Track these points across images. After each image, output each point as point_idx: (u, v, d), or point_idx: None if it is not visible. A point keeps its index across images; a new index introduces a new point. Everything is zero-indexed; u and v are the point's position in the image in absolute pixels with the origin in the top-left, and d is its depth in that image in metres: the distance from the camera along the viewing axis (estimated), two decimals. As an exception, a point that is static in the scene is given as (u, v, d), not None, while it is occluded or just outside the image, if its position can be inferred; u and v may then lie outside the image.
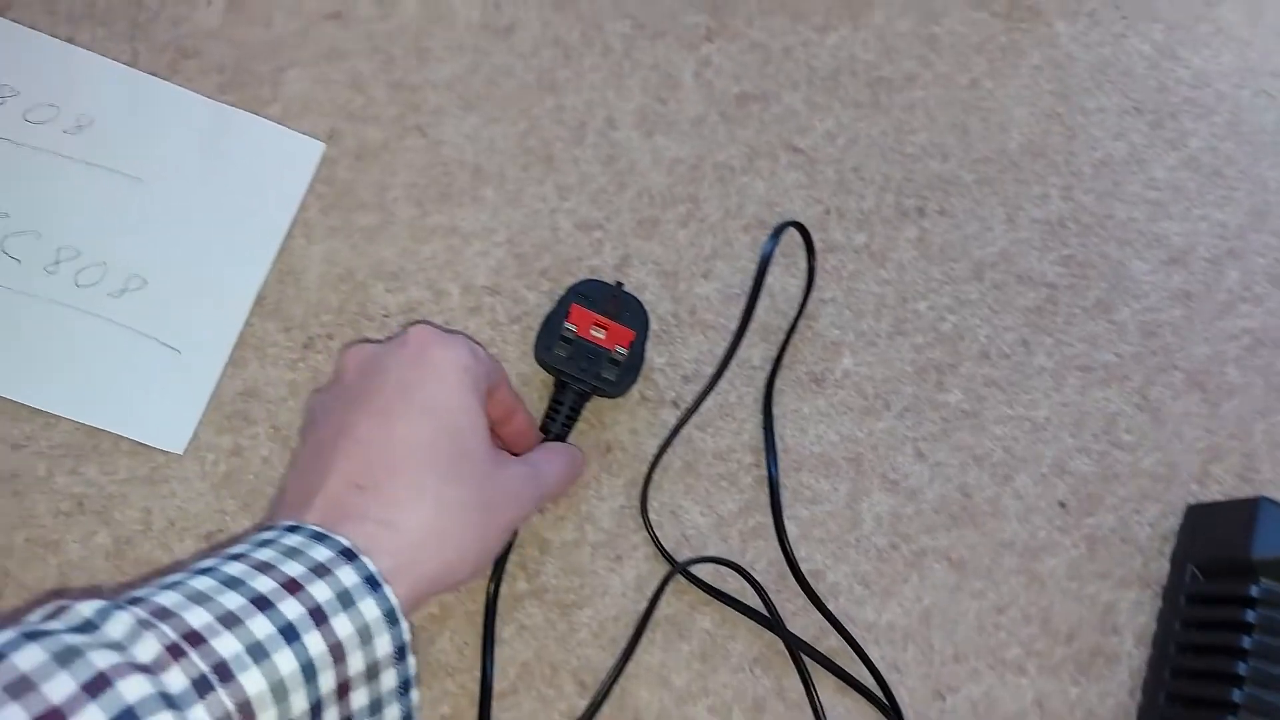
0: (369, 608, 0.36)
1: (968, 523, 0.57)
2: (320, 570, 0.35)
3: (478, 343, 0.51)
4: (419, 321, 0.50)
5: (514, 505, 0.44)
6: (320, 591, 0.35)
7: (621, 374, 0.54)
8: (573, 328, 0.54)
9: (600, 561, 0.55)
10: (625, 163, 0.62)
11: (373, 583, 0.36)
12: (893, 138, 0.65)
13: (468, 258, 0.60)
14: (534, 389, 0.58)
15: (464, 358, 0.44)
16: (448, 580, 0.40)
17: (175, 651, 0.31)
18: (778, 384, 0.59)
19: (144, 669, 0.30)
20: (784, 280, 0.61)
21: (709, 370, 0.59)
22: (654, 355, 0.58)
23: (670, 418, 0.58)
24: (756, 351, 0.60)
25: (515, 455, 0.48)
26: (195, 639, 0.32)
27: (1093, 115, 0.66)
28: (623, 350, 0.54)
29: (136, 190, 0.58)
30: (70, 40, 0.60)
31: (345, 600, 0.35)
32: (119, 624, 0.31)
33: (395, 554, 0.38)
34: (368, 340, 0.51)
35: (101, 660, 0.29)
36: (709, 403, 0.58)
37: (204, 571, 0.34)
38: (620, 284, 0.54)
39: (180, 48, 0.61)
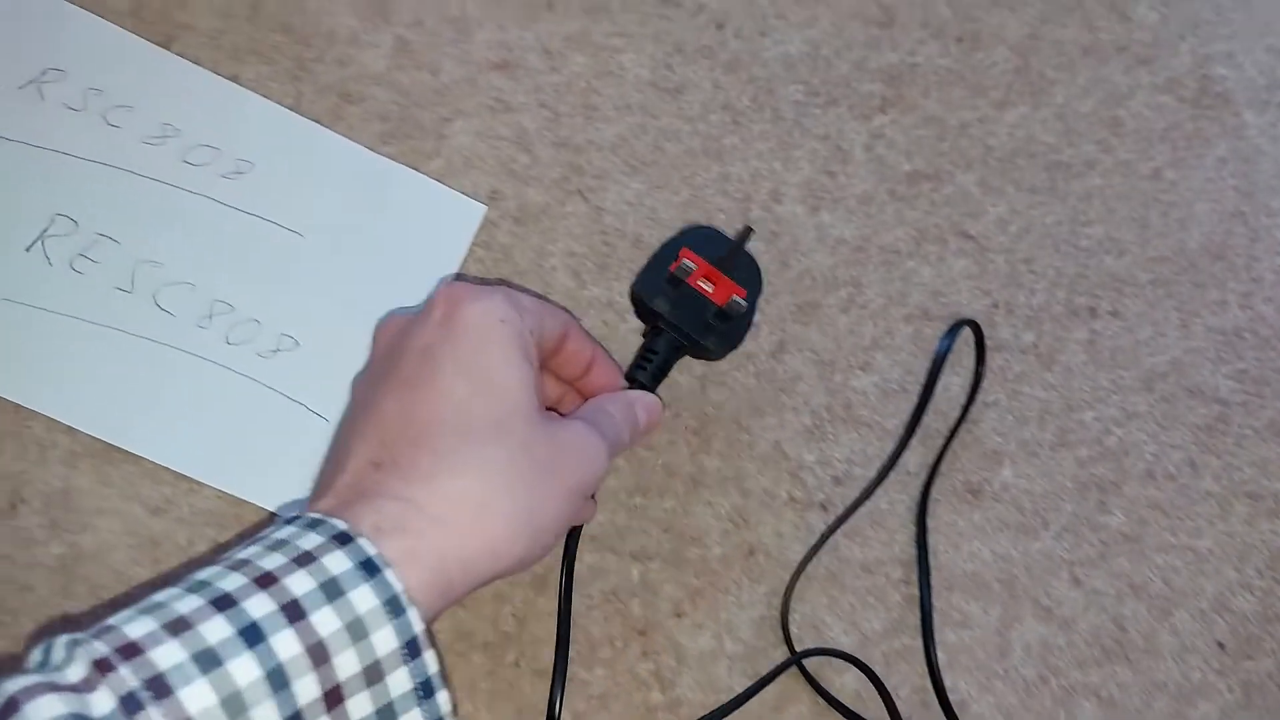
0: (363, 597, 0.31)
1: (1121, 659, 0.55)
2: (303, 559, 0.31)
3: (529, 291, 0.48)
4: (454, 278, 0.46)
5: (576, 465, 0.38)
6: (298, 583, 0.30)
7: (724, 335, 0.50)
8: (681, 272, 0.49)
9: (737, 677, 0.53)
10: (788, 240, 0.60)
11: (369, 567, 0.31)
12: (1068, 228, 0.61)
13: (622, 334, 0.57)
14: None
15: (501, 309, 0.39)
16: (496, 561, 0.35)
17: (104, 667, 0.27)
18: (933, 493, 0.56)
19: (65, 689, 0.26)
20: (944, 378, 0.58)
21: (860, 472, 0.56)
22: (803, 452, 0.56)
23: (818, 521, 0.56)
24: (912, 456, 0.57)
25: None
26: (131, 651, 0.28)
27: (1278, 216, 0.62)
28: (734, 306, 0.49)
29: (293, 244, 0.56)
30: (234, 78, 0.58)
31: (331, 591, 0.30)
32: (60, 647, 0.28)
33: (416, 534, 0.33)
34: (402, 310, 0.48)
35: (15, 685, 0.26)
36: (859, 509, 0.55)
37: (174, 582, 0.30)
38: (748, 231, 0.48)
39: (344, 91, 0.59)
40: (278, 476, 0.52)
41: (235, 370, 0.54)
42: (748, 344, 0.56)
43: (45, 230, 0.54)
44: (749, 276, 0.51)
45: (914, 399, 0.57)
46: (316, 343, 0.55)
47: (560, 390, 0.47)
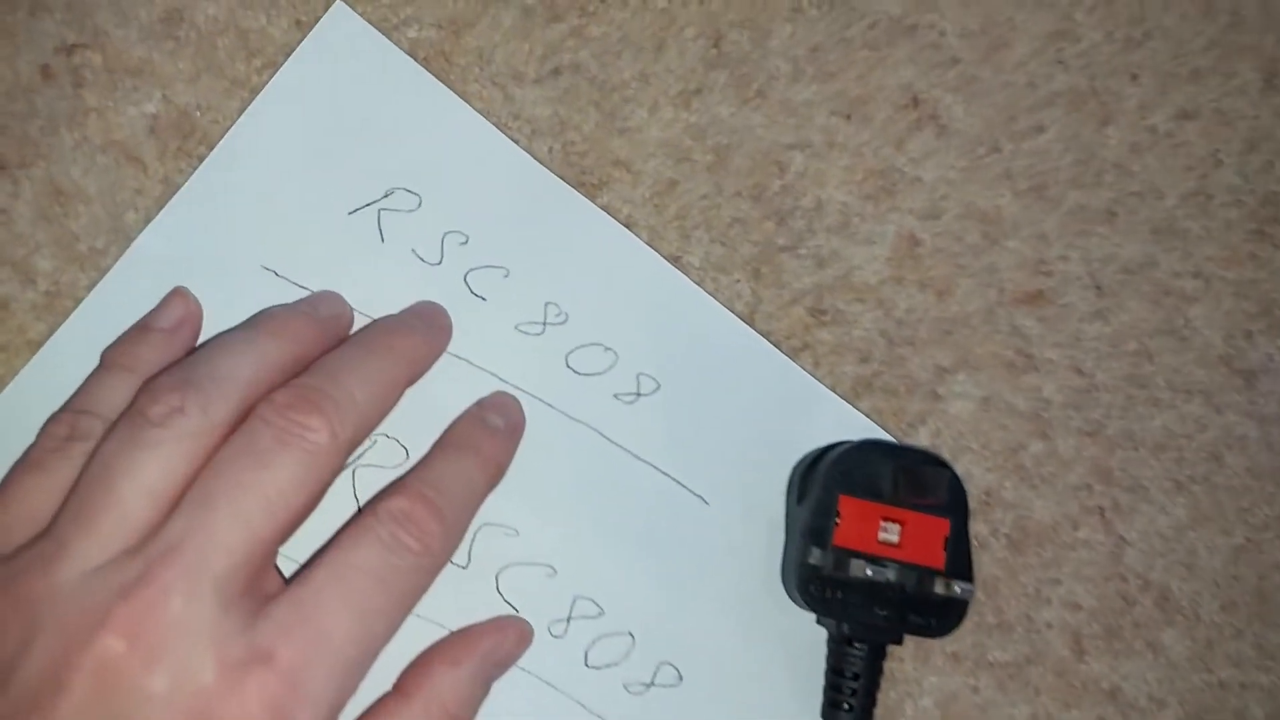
0: None
1: None
2: None
3: None
4: None
5: None
6: None
7: (943, 603, 0.35)
8: (841, 540, 0.34)
9: None
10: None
11: None
12: None
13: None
14: None
15: None
16: None
17: None
18: None
19: None
20: None
21: None
22: None
23: None
24: None
25: None
26: None
27: None
28: (939, 558, 0.35)
29: (696, 514, 0.39)
30: (676, 260, 0.39)
31: None
32: None
33: None
34: None
35: None
36: None
37: None
38: (933, 457, 0.36)
39: (816, 307, 0.41)
40: None
41: (588, 708, 0.37)
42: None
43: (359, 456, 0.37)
44: (942, 486, 0.36)
45: None
46: (708, 680, 0.37)
47: None
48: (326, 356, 0.32)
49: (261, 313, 0.34)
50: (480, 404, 0.35)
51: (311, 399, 0.29)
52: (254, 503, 0.28)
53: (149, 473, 0.29)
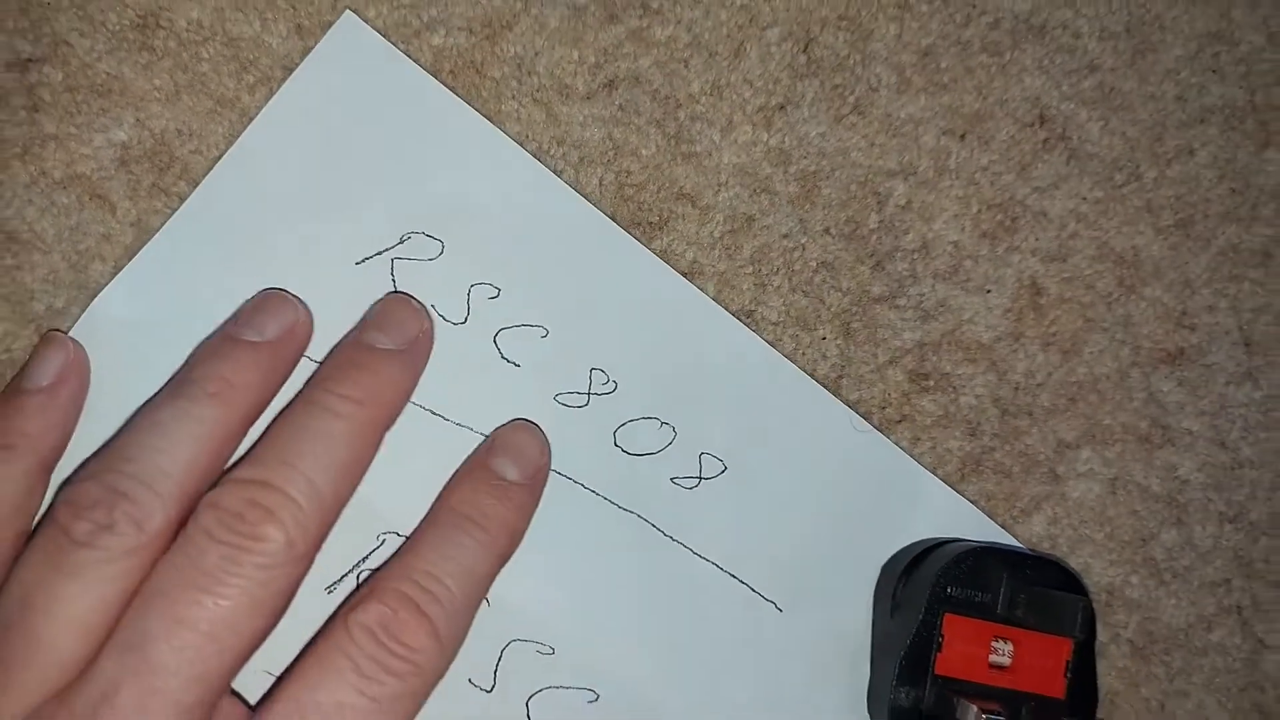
0: None
1: None
2: None
3: None
4: None
5: None
6: None
7: None
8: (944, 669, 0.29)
9: None
10: None
11: None
12: None
13: None
14: None
15: None
16: None
17: None
18: None
19: None
20: None
21: None
22: None
23: None
24: None
25: None
26: None
27: None
28: (1059, 686, 0.30)
29: (767, 622, 0.33)
30: (749, 316, 0.33)
31: None
32: None
33: None
34: None
35: None
36: None
37: None
38: (1059, 567, 0.31)
39: (919, 372, 0.35)
40: None
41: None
42: None
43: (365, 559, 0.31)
44: (1062, 607, 0.30)
45: None
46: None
47: None
48: (279, 428, 0.26)
49: (196, 358, 0.27)
50: (489, 446, 0.29)
51: (263, 503, 0.25)
52: (198, 638, 0.23)
53: (76, 606, 0.24)
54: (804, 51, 0.32)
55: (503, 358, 0.31)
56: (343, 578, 0.30)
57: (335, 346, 0.29)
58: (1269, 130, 0.34)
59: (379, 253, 0.30)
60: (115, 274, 0.29)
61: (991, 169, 0.33)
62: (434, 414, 0.30)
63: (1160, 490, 0.34)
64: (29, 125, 0.29)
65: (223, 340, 0.27)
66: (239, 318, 0.28)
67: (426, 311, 0.30)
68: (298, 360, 0.28)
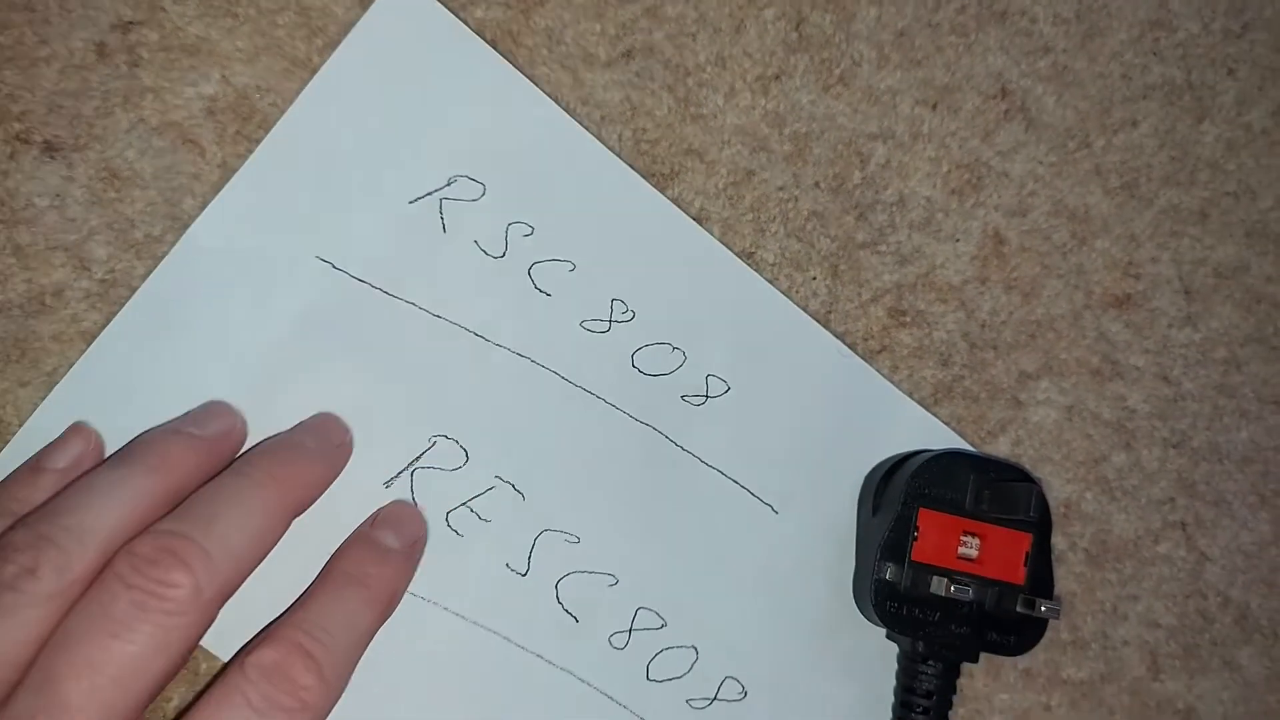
0: None
1: None
2: None
3: None
4: None
5: None
6: None
7: (1023, 622, 0.33)
8: (920, 555, 0.33)
9: None
10: None
11: None
12: None
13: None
14: None
15: None
16: None
17: None
18: None
19: None
20: None
21: None
22: None
23: None
24: None
25: None
26: None
27: None
28: (1020, 574, 0.33)
29: (765, 523, 0.38)
30: (749, 256, 0.38)
31: None
32: None
33: None
34: None
35: None
36: None
37: None
38: (1017, 469, 0.34)
39: (896, 308, 0.39)
40: None
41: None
42: None
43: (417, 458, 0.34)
44: (1023, 501, 0.33)
45: None
46: (774, 696, 0.36)
47: None
48: (202, 490, 0.28)
49: (140, 439, 0.30)
50: (374, 520, 0.32)
51: (176, 550, 0.26)
52: (106, 680, 0.25)
53: None
54: (796, 29, 0.37)
55: (536, 288, 0.35)
56: (399, 474, 0.34)
57: (266, 439, 0.32)
58: (1204, 106, 0.40)
59: (429, 194, 0.35)
60: (203, 208, 0.34)
61: (959, 134, 0.38)
62: (476, 335, 0.35)
63: (1111, 418, 0.39)
64: (129, 79, 0.34)
65: (168, 430, 0.30)
66: (186, 416, 0.31)
67: (346, 427, 0.33)
68: (230, 459, 0.31)
